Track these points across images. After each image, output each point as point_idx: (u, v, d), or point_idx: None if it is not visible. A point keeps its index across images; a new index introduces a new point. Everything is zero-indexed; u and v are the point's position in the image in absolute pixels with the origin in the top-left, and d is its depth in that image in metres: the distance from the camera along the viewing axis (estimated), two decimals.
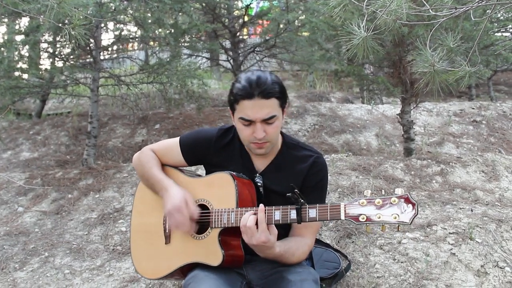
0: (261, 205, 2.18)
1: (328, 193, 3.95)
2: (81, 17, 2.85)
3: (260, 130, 2.26)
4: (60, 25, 3.00)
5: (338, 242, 3.44)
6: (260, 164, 2.48)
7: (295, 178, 2.43)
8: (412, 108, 5.31)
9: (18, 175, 5.48)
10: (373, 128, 7.10)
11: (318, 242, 3.10)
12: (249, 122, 2.27)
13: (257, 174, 2.46)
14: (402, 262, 3.15)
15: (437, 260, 3.14)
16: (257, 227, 2.14)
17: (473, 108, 7.62)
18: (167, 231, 2.50)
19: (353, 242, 3.41)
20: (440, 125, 7.13)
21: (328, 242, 3.32)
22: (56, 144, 7.39)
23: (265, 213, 2.16)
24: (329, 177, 4.08)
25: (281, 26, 7.79)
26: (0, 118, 6.06)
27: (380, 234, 3.42)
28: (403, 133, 5.32)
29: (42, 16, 3.55)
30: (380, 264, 3.16)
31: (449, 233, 3.37)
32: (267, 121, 2.26)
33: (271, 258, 2.29)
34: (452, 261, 3.12)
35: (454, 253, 3.18)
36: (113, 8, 5.53)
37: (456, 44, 2.99)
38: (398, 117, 5.30)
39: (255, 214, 2.17)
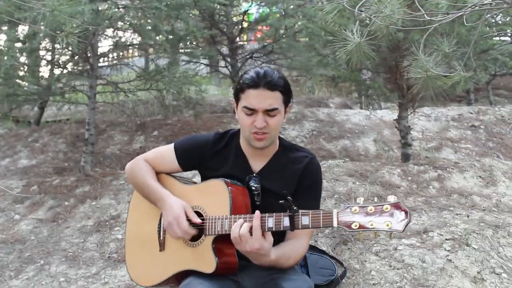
0: (257, 212, 2.17)
1: (325, 199, 3.94)
2: (75, 25, 2.85)
3: (261, 119, 2.29)
4: (54, 33, 3.00)
5: (334, 249, 3.43)
6: (257, 165, 2.48)
7: (291, 179, 2.44)
8: (409, 113, 5.30)
9: (16, 182, 5.47)
10: (371, 133, 7.09)
11: (314, 249, 3.09)
12: (252, 112, 2.30)
13: (254, 175, 2.45)
14: (398, 269, 3.14)
15: (433, 266, 3.13)
16: (251, 234, 2.13)
17: (471, 113, 7.61)
18: (161, 238, 2.49)
19: (349, 249, 3.39)
20: (438, 130, 7.12)
21: (324, 249, 3.30)
22: (54, 151, 7.38)
23: (260, 220, 2.15)
24: (326, 183, 4.08)
25: (281, 31, 7.79)
26: None
27: (376, 241, 3.41)
28: (400, 138, 5.31)
29: (36, 25, 3.55)
30: (376, 271, 3.15)
31: (446, 239, 3.36)
32: (269, 112, 2.30)
33: (267, 265, 2.27)
34: (448, 268, 3.11)
35: (451, 260, 3.17)
36: (109, 15, 5.54)
37: (451, 49, 2.99)
38: (395, 122, 5.29)
39: (246, 221, 2.16)
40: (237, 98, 2.40)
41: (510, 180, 4.40)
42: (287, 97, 2.37)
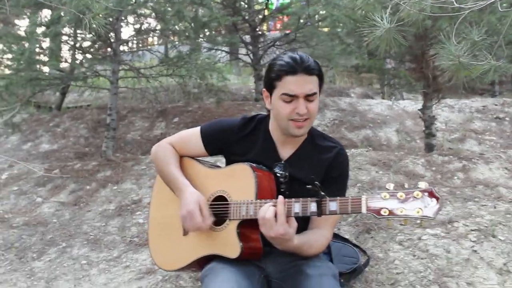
0: (280, 197, 2.13)
1: (348, 188, 3.88)
2: (100, 7, 2.83)
3: (302, 105, 2.24)
4: (81, 16, 2.99)
5: (357, 237, 3.39)
6: (285, 152, 2.45)
7: (319, 167, 2.40)
8: (434, 103, 5.22)
9: (38, 166, 5.51)
10: (394, 123, 7.02)
11: (337, 237, 3.06)
12: (292, 98, 2.25)
13: (281, 162, 2.42)
14: (422, 259, 3.09)
15: (458, 257, 3.08)
16: (276, 220, 2.10)
17: (496, 105, 7.49)
18: None
19: (372, 237, 3.36)
20: (462, 121, 7.02)
21: (347, 237, 3.27)
22: (75, 137, 7.43)
23: (285, 205, 2.12)
24: (348, 176, 4.03)
25: (302, 20, 7.73)
26: (21, 110, 6.09)
27: (400, 229, 3.36)
28: (424, 128, 5.24)
29: (63, 6, 3.54)
30: (399, 260, 3.10)
31: (471, 230, 3.30)
32: (309, 97, 2.25)
33: (290, 250, 2.25)
34: (473, 259, 3.06)
35: (476, 251, 3.11)
36: (133, 0, 5.53)
37: (481, 38, 2.93)
38: (420, 112, 5.22)
39: (274, 206, 2.12)
40: (271, 87, 2.32)
41: None
42: (322, 80, 2.32)
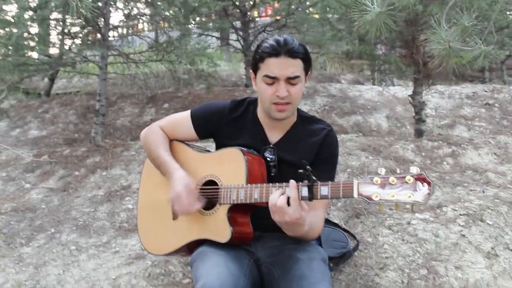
0: (293, 182, 2.08)
1: (338, 173, 3.90)
2: None
3: (283, 88, 2.24)
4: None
5: (347, 222, 3.40)
6: (274, 136, 2.44)
7: (309, 150, 2.40)
8: (424, 89, 5.23)
9: (26, 152, 5.47)
10: (384, 109, 7.02)
11: (327, 221, 3.06)
12: (273, 80, 2.25)
13: (270, 146, 2.41)
14: (411, 243, 3.11)
15: (446, 241, 3.10)
16: (289, 205, 2.08)
17: (486, 91, 7.50)
18: None
19: (361, 222, 3.37)
20: (452, 107, 7.03)
21: (336, 222, 3.28)
22: (65, 123, 7.37)
23: (298, 189, 2.09)
24: (339, 157, 4.04)
25: (292, 6, 7.69)
26: (9, 96, 6.03)
27: (389, 214, 3.38)
28: (414, 114, 5.24)
29: None
30: (388, 245, 3.12)
31: (460, 214, 3.32)
32: (291, 80, 2.25)
33: (298, 235, 2.24)
34: (462, 243, 3.08)
35: (464, 235, 3.13)
36: None
37: (471, 23, 2.92)
38: (410, 98, 5.22)
39: (282, 191, 2.10)
40: (255, 68, 2.33)
41: None
42: (308, 65, 2.31)
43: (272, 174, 2.39)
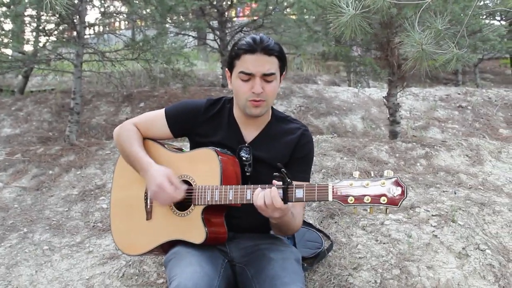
0: (275, 182, 2.11)
1: (312, 173, 3.92)
2: None
3: (258, 85, 2.26)
4: None
5: (321, 222, 3.42)
6: (249, 135, 2.45)
7: (284, 149, 2.41)
8: (398, 91, 5.29)
9: None
10: (359, 111, 7.08)
11: None
12: (249, 77, 2.27)
13: (246, 145, 2.42)
14: (384, 243, 3.15)
15: (419, 241, 3.14)
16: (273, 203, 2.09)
17: (459, 94, 7.63)
18: (148, 206, 2.45)
19: (336, 222, 3.39)
20: (426, 109, 7.13)
21: (310, 222, 3.30)
22: (39, 121, 7.28)
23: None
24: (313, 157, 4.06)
25: (270, 7, 7.71)
26: None
27: (363, 215, 3.41)
28: (389, 116, 5.30)
29: None
30: (362, 245, 3.15)
31: (432, 215, 3.37)
32: (266, 77, 2.27)
33: (285, 222, 2.25)
34: (434, 243, 3.12)
35: (436, 235, 3.18)
36: None
37: (444, 27, 2.96)
38: (385, 99, 5.28)
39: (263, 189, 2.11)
40: (231, 66, 2.34)
41: (496, 160, 4.42)
42: (283, 63, 2.34)
43: (247, 173, 2.39)
